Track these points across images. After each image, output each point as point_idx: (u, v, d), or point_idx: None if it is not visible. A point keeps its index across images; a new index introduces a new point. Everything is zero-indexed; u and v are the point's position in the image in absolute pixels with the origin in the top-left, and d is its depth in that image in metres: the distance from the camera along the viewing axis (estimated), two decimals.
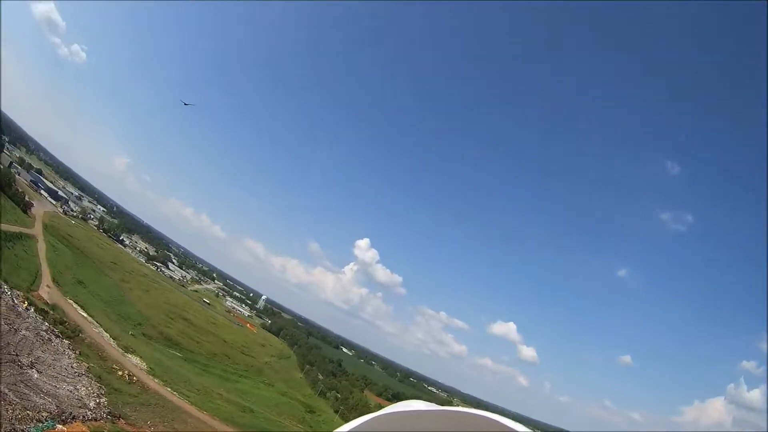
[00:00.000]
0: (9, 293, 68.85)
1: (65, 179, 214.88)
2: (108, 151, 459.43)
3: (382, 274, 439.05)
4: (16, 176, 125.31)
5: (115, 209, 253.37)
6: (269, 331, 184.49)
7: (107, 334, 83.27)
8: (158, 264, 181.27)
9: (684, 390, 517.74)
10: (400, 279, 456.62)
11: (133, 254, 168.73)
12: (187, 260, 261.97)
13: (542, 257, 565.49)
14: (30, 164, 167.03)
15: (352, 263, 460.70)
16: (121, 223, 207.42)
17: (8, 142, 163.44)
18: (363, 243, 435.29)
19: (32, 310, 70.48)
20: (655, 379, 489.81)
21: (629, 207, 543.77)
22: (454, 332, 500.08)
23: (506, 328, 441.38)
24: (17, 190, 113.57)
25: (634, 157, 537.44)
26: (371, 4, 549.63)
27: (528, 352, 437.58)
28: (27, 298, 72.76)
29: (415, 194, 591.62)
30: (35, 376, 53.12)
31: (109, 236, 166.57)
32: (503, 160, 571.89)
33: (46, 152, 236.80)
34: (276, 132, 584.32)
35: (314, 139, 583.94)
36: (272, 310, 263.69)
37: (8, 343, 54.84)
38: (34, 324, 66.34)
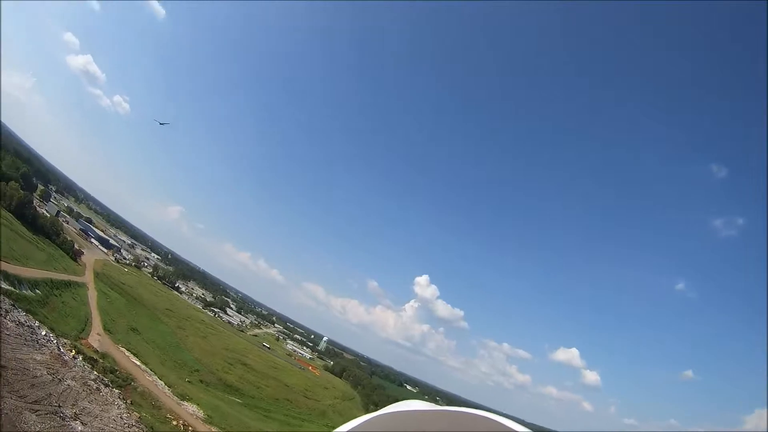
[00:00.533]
0: (55, 341, 67.19)
1: (117, 227, 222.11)
2: (161, 200, 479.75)
3: (443, 309, 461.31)
4: (64, 224, 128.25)
5: (169, 256, 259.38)
6: (332, 373, 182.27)
7: (162, 382, 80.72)
8: (216, 310, 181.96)
9: (744, 399, 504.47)
10: (461, 313, 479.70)
11: (189, 300, 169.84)
12: (245, 305, 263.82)
13: (600, 279, 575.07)
14: (79, 213, 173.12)
15: (412, 300, 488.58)
16: (177, 270, 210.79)
17: (55, 192, 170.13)
18: (423, 280, 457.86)
19: (80, 358, 68.63)
20: (716, 390, 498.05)
21: (680, 217, 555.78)
22: (518, 362, 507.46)
23: (569, 354, 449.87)
24: (66, 238, 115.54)
25: (679, 165, 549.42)
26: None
27: (591, 376, 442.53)
28: (75, 347, 71.20)
29: (473, 228, 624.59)
30: (79, 428, 49.79)
31: (164, 283, 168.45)
32: (555, 190, 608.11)
33: (96, 202, 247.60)
34: (332, 177, 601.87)
35: (369, 182, 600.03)
36: (334, 351, 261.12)
37: (50, 394, 52.08)
38: (81, 373, 64.06)
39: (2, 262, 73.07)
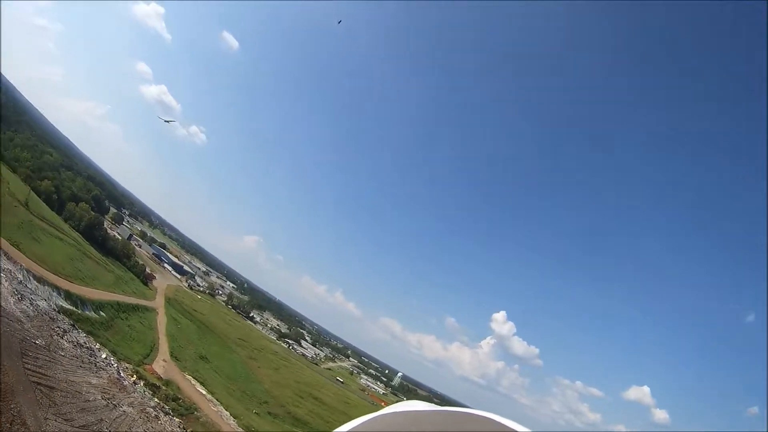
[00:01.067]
0: (115, 366, 66.36)
1: (192, 254, 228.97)
2: (239, 230, 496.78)
3: (518, 346, 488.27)
4: (137, 248, 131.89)
5: (245, 286, 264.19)
6: None
7: (227, 413, 78.55)
8: (290, 341, 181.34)
9: None
10: (536, 351, 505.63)
11: (263, 331, 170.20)
12: (320, 338, 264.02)
13: (676, 312, 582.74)
14: (153, 238, 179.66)
15: (488, 337, 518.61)
16: (252, 300, 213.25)
17: (129, 216, 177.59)
18: (500, 316, 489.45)
19: (141, 384, 67.47)
20: None
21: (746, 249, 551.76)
22: (590, 401, 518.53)
23: (640, 393, 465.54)
24: (137, 261, 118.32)
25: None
26: None
27: (661, 414, 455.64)
28: (136, 372, 70.18)
29: (552, 265, 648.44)
30: None
31: (239, 312, 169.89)
32: (622, 223, 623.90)
33: (172, 228, 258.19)
34: (413, 214, 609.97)
35: (448, 220, 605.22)
36: (408, 387, 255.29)
37: (101, 420, 50.28)
38: (140, 399, 62.74)
39: (65, 281, 74.04)
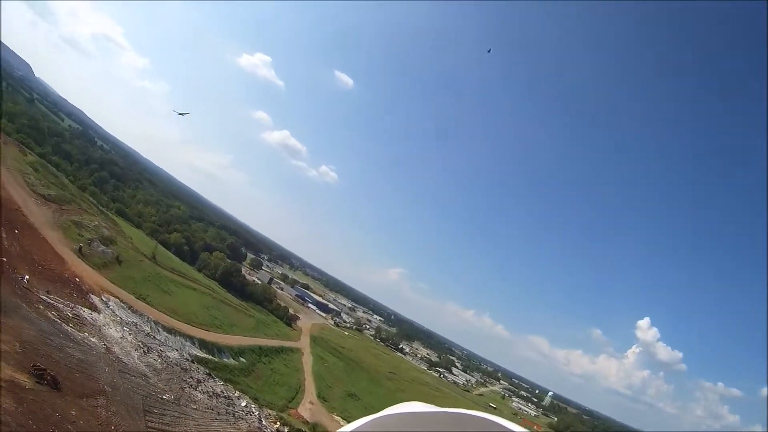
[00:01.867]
0: (256, 413, 61.12)
1: (336, 292, 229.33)
2: (381, 263, 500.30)
3: (663, 352, 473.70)
4: (278, 291, 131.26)
5: (392, 317, 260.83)
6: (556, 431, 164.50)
7: None
8: (441, 370, 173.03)
9: None
10: (680, 355, 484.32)
11: (413, 362, 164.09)
12: (471, 363, 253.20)
13: None
14: (294, 280, 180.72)
15: (634, 346, 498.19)
16: (400, 331, 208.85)
17: (268, 260, 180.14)
18: (644, 323, 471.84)
19: (286, 430, 61.40)
20: None
21: None
22: (730, 402, 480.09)
23: None
24: (279, 304, 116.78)
25: None
26: None
27: None
28: (280, 418, 64.63)
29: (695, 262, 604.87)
30: None
31: (387, 345, 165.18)
32: None
33: (313, 268, 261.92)
34: (551, 231, 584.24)
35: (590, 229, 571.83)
36: (558, 405, 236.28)
37: None
38: None
39: (200, 330, 71.46)
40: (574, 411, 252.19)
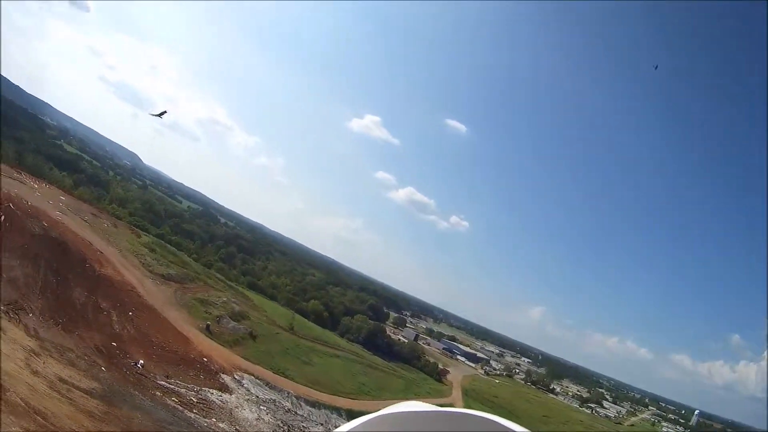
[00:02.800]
0: None
1: (482, 339, 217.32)
2: (521, 304, 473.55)
3: None
4: (425, 347, 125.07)
5: (540, 357, 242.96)
6: None
7: None
8: (592, 405, 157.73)
9: None
10: None
11: (565, 401, 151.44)
12: (619, 392, 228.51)
13: None
14: (440, 333, 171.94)
15: None
16: (549, 370, 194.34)
17: (411, 317, 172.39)
18: None
19: None
20: None
21: None
22: None
23: None
24: (428, 360, 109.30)
25: None
26: None
27: None
28: None
29: None
30: None
31: (538, 387, 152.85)
32: None
33: (457, 318, 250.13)
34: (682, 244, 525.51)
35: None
36: (705, 423, 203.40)
37: None
38: None
39: (347, 399, 63.60)
40: (719, 426, 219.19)
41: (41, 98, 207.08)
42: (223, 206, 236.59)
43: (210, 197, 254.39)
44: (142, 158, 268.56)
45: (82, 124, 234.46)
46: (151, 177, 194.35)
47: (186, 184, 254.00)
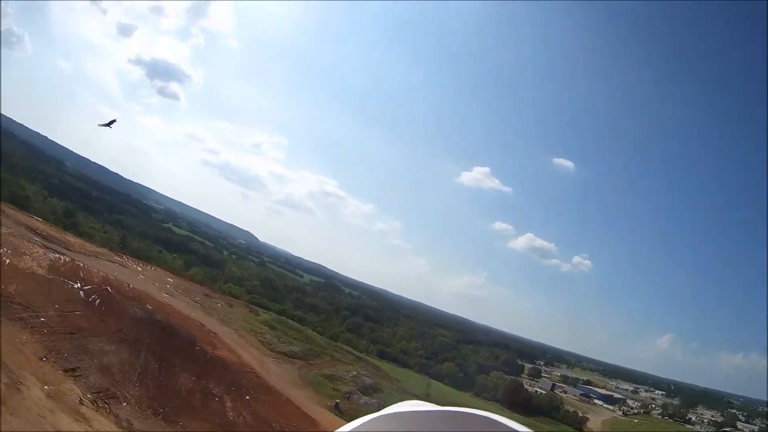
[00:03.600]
0: None
1: (616, 378, 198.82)
2: (647, 336, 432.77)
3: None
4: (563, 396, 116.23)
5: (672, 387, 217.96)
6: None
7: None
8: (727, 430, 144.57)
9: None
10: None
11: (702, 429, 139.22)
12: (750, 410, 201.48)
13: None
14: (575, 378, 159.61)
15: None
16: (683, 400, 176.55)
17: (545, 365, 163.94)
18: None
19: None
20: None
21: None
22: None
23: None
24: (567, 410, 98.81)
25: None
26: None
27: None
28: None
29: None
30: None
31: (676, 420, 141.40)
32: None
33: (590, 360, 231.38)
34: None
35: None
36: None
37: None
38: None
39: None
40: None
41: (145, 185, 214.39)
42: (345, 276, 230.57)
43: (331, 269, 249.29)
44: (257, 236, 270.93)
45: (191, 207, 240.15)
46: (269, 253, 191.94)
47: (305, 258, 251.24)
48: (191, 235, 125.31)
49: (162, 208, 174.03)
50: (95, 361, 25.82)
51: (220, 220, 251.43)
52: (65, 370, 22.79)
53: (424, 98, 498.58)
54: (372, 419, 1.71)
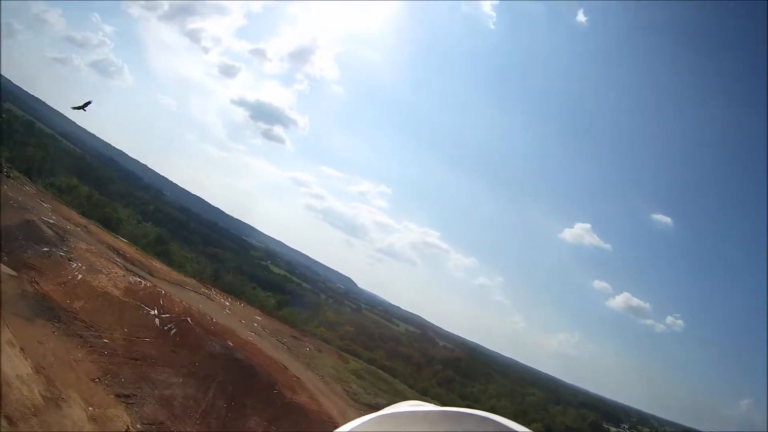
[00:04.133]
0: None
1: None
2: (729, 395, 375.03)
3: None
4: None
5: None
6: None
7: None
8: None
9: None
10: None
11: None
12: None
13: None
14: None
15: None
16: None
17: (629, 428, 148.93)
18: None
19: None
20: None
21: None
22: None
23: None
24: None
25: None
26: None
27: None
28: None
29: None
30: None
31: None
32: None
33: (673, 425, 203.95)
34: None
35: None
36: None
37: None
38: None
39: None
40: None
41: (247, 222, 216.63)
42: (441, 328, 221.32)
43: (427, 319, 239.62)
44: (356, 282, 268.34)
45: (291, 248, 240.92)
46: (367, 300, 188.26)
47: (402, 306, 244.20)
48: (289, 275, 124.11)
49: (262, 246, 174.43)
50: (155, 391, 23.12)
51: (320, 263, 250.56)
52: (118, 396, 20.34)
53: (529, 152, 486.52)
54: (372, 419, 1.69)
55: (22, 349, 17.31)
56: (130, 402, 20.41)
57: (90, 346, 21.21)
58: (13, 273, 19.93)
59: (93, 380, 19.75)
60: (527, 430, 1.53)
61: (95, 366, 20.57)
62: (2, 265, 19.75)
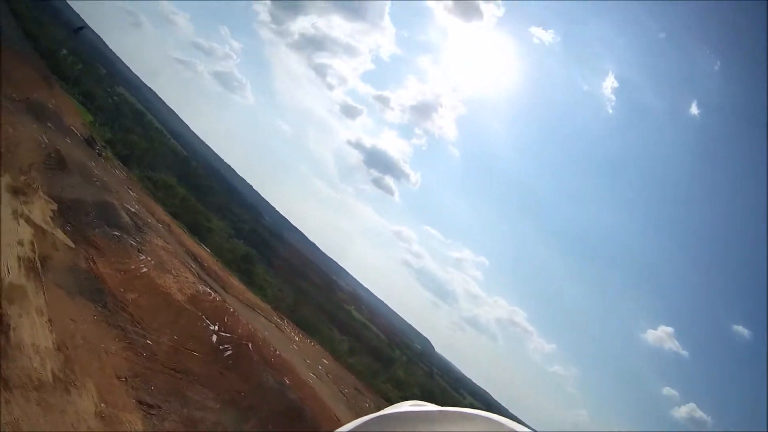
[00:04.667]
0: None
1: None
2: None
3: None
4: None
5: None
6: None
7: None
8: None
9: None
10: None
11: None
12: None
13: None
14: None
15: None
16: None
17: None
18: None
19: None
20: None
21: None
22: None
23: None
24: None
25: None
26: None
27: None
28: None
29: None
30: None
31: None
32: None
33: None
34: None
35: None
36: None
37: None
38: None
39: None
40: None
41: (339, 263, 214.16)
42: (506, 409, 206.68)
43: (495, 398, 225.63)
44: (435, 345, 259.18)
45: (377, 296, 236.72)
46: (440, 366, 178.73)
47: (474, 380, 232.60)
48: (368, 323, 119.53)
49: (349, 289, 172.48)
50: (184, 410, 20.24)
51: (402, 318, 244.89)
52: (140, 402, 17.66)
53: (630, 245, 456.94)
54: (372, 419, 1.57)
55: (50, 320, 15.61)
56: (152, 413, 17.81)
57: (129, 342, 19.11)
58: (71, 244, 18.45)
59: (118, 377, 17.48)
60: (528, 430, 1.42)
61: (127, 364, 18.38)
62: (61, 232, 18.31)
